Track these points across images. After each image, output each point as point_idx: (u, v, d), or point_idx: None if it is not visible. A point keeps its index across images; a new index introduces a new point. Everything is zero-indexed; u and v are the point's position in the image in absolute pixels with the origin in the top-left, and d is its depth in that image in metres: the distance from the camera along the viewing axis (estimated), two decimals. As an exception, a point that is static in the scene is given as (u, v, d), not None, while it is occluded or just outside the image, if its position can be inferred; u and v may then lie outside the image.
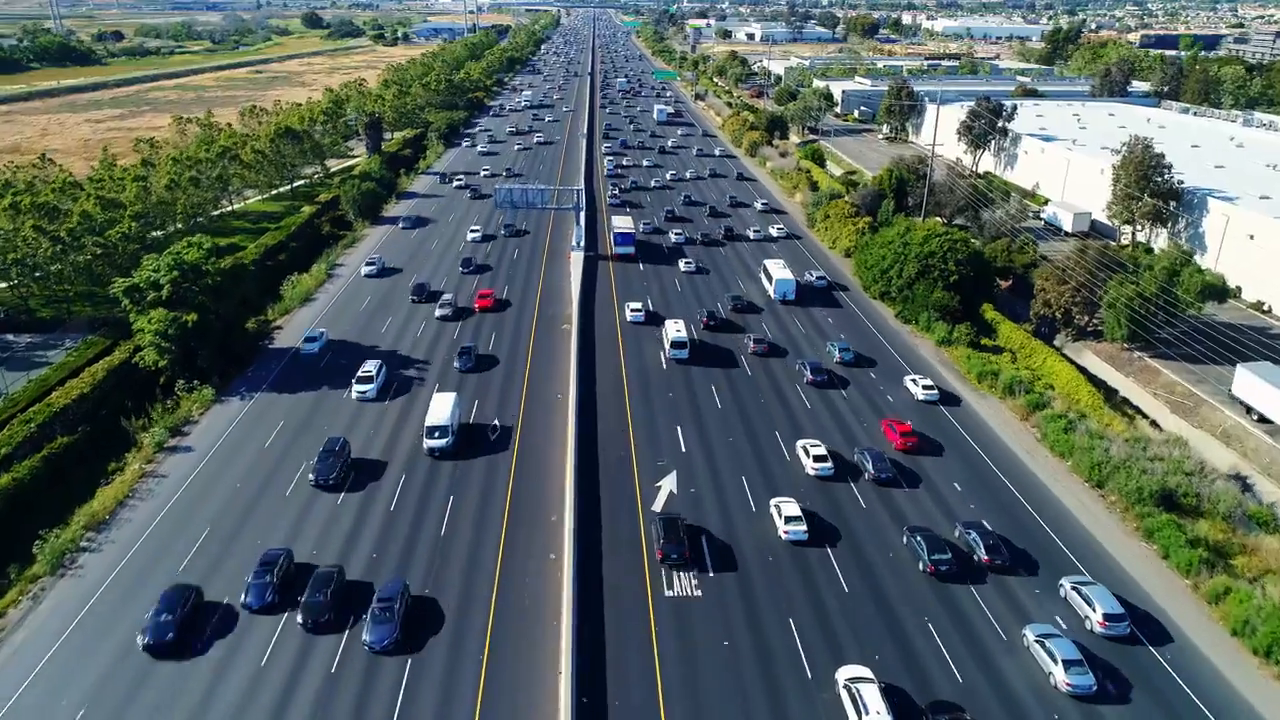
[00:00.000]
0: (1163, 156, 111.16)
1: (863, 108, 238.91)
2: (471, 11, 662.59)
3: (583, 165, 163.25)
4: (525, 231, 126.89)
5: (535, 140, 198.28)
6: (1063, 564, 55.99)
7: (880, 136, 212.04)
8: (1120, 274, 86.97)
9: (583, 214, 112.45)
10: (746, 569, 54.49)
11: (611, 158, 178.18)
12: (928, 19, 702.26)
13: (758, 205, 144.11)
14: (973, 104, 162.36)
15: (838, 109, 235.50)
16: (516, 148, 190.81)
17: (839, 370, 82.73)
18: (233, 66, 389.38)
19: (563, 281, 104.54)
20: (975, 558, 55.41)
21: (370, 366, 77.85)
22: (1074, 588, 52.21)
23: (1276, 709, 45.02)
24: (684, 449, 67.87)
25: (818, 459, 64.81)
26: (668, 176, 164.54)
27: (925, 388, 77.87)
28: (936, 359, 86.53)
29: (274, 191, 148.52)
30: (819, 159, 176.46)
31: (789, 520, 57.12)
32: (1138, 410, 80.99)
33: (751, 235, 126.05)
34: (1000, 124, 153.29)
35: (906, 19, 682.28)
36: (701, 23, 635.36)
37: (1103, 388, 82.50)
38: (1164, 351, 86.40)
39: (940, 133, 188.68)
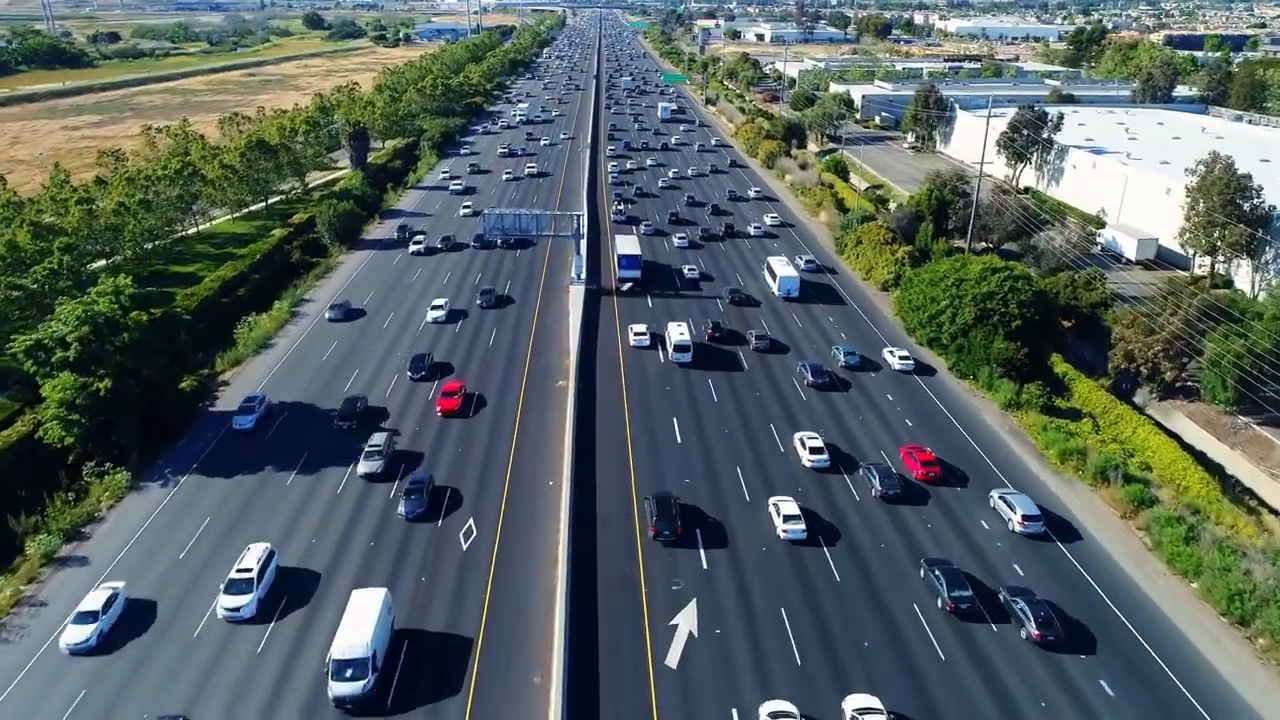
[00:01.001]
0: (1250, 177, 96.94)
1: (884, 114, 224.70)
2: (476, 12, 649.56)
3: (583, 194, 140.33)
4: (508, 300, 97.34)
5: (527, 169, 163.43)
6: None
7: (905, 145, 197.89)
8: (1225, 325, 72.91)
9: (583, 242, 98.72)
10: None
11: (615, 161, 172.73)
12: (940, 19, 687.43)
13: (751, 193, 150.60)
14: (1013, 112, 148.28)
15: (858, 115, 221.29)
16: (505, 176, 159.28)
17: (842, 374, 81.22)
18: (227, 69, 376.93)
19: (559, 324, 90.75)
20: (1023, 632, 48.55)
21: (250, 559, 50.29)
22: (1001, 498, 59.99)
23: None
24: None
25: (814, 451, 64.91)
26: (670, 174, 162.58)
27: (901, 358, 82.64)
28: (1004, 426, 72.52)
29: (246, 210, 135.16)
30: (842, 171, 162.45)
31: (787, 519, 56.43)
32: (1253, 495, 66.90)
33: (752, 231, 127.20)
34: (1045, 135, 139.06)
35: (918, 19, 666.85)
36: (710, 23, 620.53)
37: (1204, 462, 68.39)
38: (1276, 416, 72.34)
39: (973, 143, 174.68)
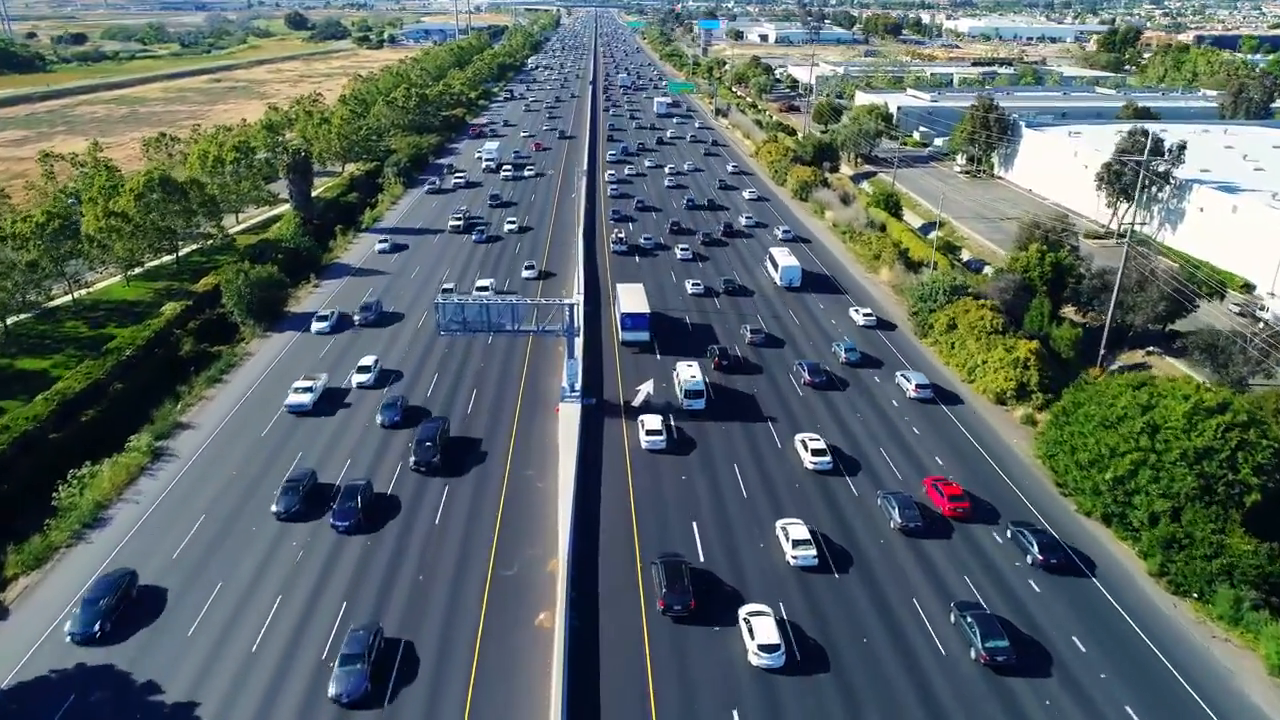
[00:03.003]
0: None
1: (923, 129, 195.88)
2: (466, 11, 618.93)
3: (576, 254, 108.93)
4: (407, 671, 44.49)
5: (476, 289, 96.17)
6: None
7: (956, 169, 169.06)
8: None
9: (578, 341, 69.62)
10: None
11: (614, 169, 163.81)
12: (947, 18, 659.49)
13: (729, 168, 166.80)
14: (1086, 131, 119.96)
15: (898, 131, 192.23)
16: (442, 293, 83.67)
17: (842, 371, 79.53)
18: (192, 74, 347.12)
19: (543, 476, 61.49)
20: None
21: None
22: (902, 375, 75.99)
23: None
24: None
25: (816, 453, 62.93)
26: (668, 170, 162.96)
27: (865, 315, 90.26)
28: (1271, 701, 43.64)
29: (145, 268, 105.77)
30: (893, 207, 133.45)
31: (797, 544, 52.41)
32: None
33: (743, 223, 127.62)
34: (1164, 167, 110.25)
35: (925, 18, 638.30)
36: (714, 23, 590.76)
37: None
38: None
39: (1044, 169, 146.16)
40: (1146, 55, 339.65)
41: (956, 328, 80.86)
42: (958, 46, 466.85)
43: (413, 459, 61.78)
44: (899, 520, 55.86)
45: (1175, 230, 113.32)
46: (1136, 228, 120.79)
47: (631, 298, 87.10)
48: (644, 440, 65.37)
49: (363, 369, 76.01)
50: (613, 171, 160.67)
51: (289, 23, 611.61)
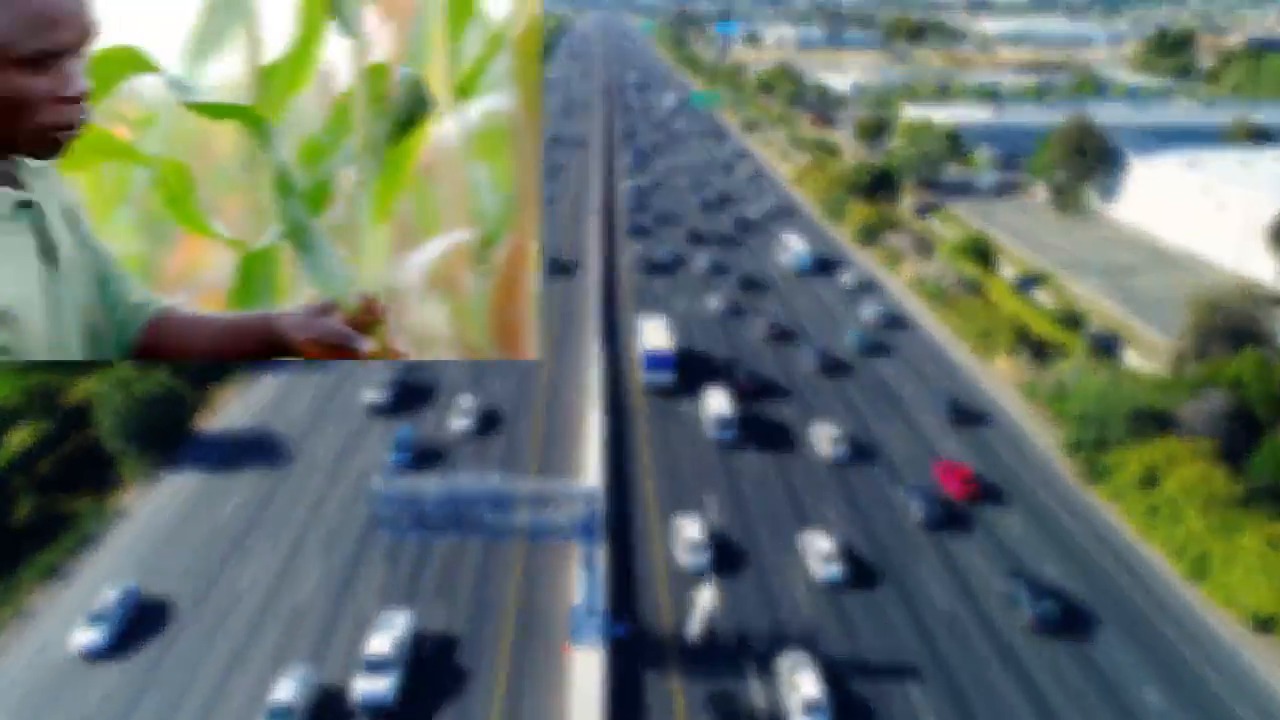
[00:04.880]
0: None
1: (983, 145, 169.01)
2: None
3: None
4: None
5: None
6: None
7: (1040, 200, 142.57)
8: None
9: (599, 549, 43.54)
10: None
11: (632, 180, 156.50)
12: (966, 18, 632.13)
13: (727, 148, 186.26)
14: (1217, 162, 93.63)
15: (965, 152, 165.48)
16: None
17: (853, 358, 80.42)
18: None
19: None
20: None
21: None
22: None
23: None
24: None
25: (835, 443, 63.33)
26: (680, 164, 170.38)
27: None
28: None
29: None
30: (984, 254, 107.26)
31: (822, 559, 50.65)
32: None
33: (752, 214, 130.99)
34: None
35: (947, 20, 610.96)
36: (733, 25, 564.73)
37: None
38: None
39: (1165, 207, 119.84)
40: (1206, 61, 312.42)
41: (1157, 483, 54.49)
42: (992, 51, 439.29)
43: None
44: (922, 516, 55.73)
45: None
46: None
47: (655, 334, 78.05)
48: (685, 558, 51.52)
49: None
50: (629, 182, 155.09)
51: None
